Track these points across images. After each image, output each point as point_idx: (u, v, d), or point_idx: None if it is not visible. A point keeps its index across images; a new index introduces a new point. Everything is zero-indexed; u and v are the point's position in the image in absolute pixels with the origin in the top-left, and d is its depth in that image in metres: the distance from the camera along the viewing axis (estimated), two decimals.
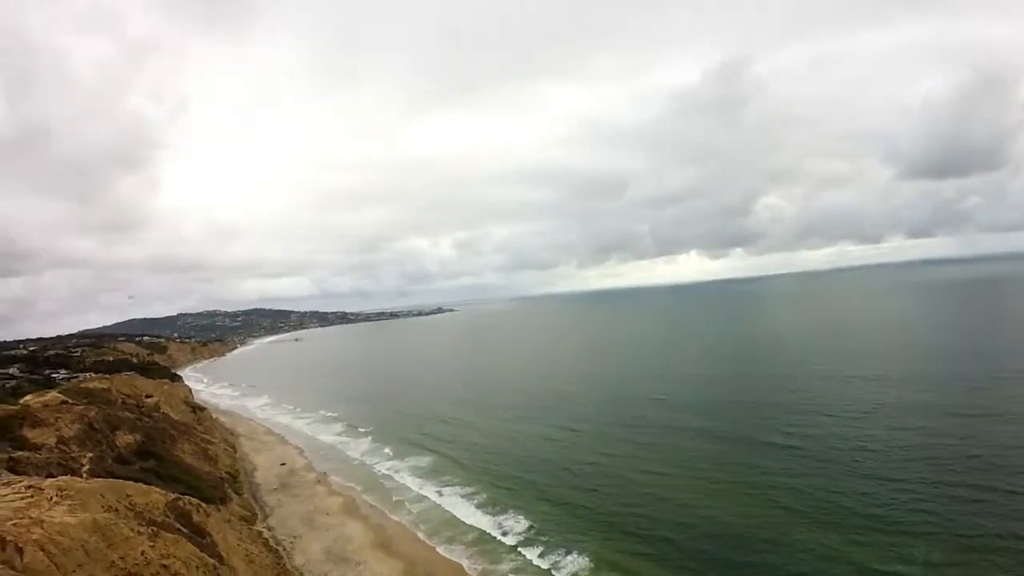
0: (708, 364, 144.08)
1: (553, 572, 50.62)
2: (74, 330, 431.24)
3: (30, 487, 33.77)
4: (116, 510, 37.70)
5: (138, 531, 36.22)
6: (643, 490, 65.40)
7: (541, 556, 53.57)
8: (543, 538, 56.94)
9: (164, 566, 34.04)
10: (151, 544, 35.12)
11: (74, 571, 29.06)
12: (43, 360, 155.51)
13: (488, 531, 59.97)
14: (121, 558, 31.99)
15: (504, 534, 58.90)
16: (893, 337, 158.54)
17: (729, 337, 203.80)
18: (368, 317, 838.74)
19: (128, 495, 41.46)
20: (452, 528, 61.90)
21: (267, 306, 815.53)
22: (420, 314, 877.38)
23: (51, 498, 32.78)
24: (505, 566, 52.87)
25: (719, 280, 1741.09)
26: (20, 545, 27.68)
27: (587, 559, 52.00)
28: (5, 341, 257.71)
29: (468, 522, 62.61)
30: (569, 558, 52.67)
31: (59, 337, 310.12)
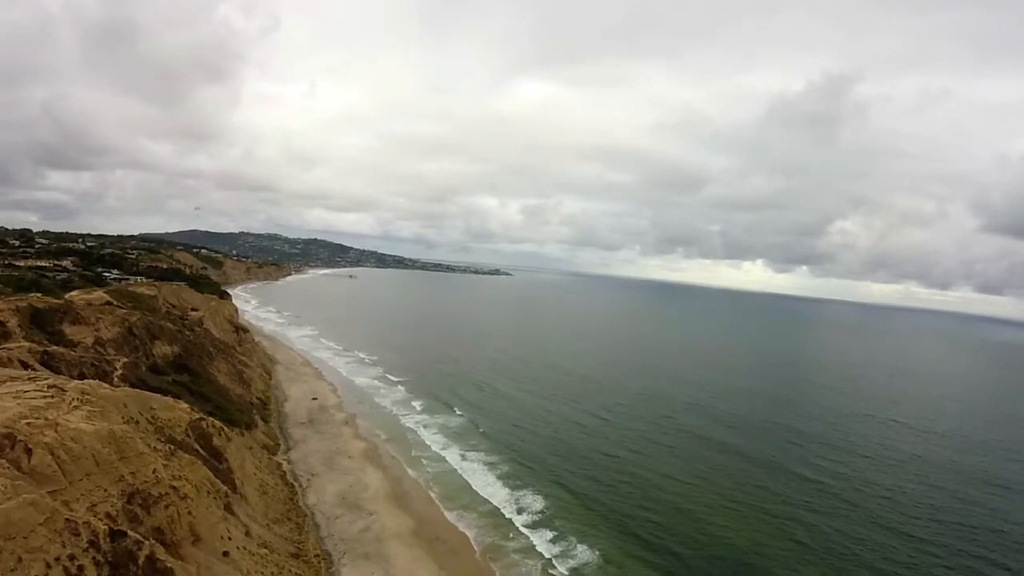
0: (752, 378, 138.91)
1: (555, 562, 48.78)
2: (136, 232, 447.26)
3: (53, 387, 33.31)
4: (136, 422, 37.22)
5: (154, 448, 35.59)
6: (661, 496, 63.03)
7: (551, 542, 51.96)
8: (555, 524, 55.34)
9: (173, 487, 33.27)
10: (165, 463, 34.42)
11: (81, 479, 28.32)
12: (98, 258, 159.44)
13: (502, 506, 58.51)
14: (132, 473, 31.27)
15: (519, 512, 57.37)
16: (946, 390, 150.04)
17: (780, 355, 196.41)
18: (424, 266, 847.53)
19: (152, 408, 41.09)
20: (467, 495, 60.69)
21: (328, 238, 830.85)
22: (477, 272, 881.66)
23: (72, 401, 32.22)
24: (512, 545, 51.35)
25: (780, 294, 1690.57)
26: (30, 446, 26.96)
27: (596, 555, 50.16)
28: (67, 232, 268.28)
29: (484, 493, 61.31)
30: (579, 549, 50.91)
31: (119, 236, 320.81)
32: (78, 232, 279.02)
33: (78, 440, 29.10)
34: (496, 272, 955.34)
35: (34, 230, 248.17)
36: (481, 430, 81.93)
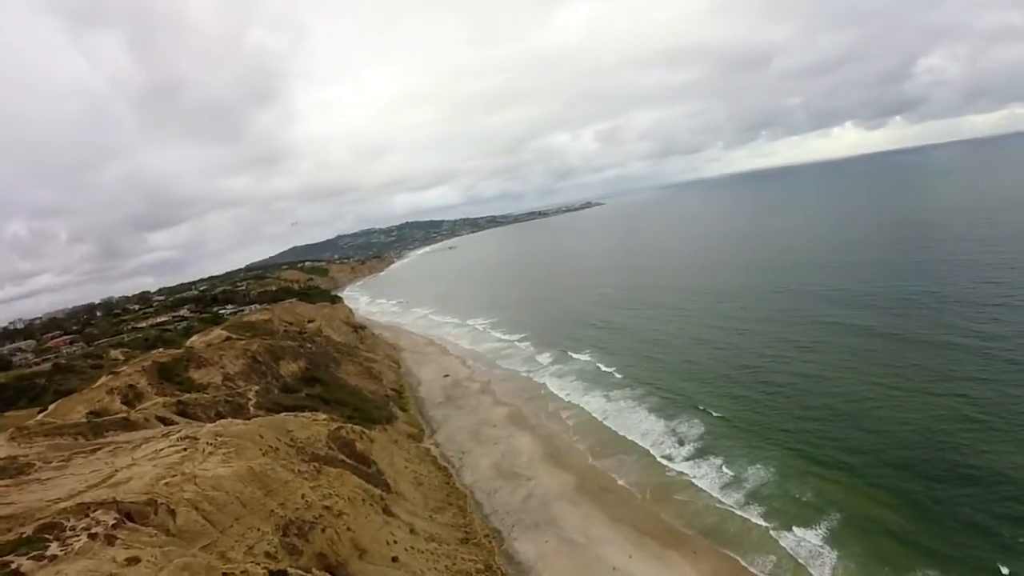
0: (872, 251, 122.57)
1: (723, 494, 44.88)
2: (241, 264, 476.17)
3: (186, 438, 33.14)
4: (276, 449, 36.73)
5: (299, 471, 34.95)
6: (815, 399, 56.42)
7: (716, 472, 47.99)
8: (715, 452, 51.13)
9: (326, 508, 32.35)
10: (312, 485, 33.63)
11: (231, 525, 27.62)
12: (211, 298, 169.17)
13: (658, 444, 55.03)
14: (281, 504, 30.52)
15: (677, 445, 53.76)
16: None
17: (893, 219, 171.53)
18: (517, 218, 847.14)
19: (289, 431, 40.76)
20: (620, 439, 57.69)
21: (419, 218, 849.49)
22: (569, 210, 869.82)
23: (206, 448, 31.85)
24: (678, 481, 48.06)
25: (878, 153, 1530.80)
26: (172, 506, 26.38)
27: (769, 475, 45.72)
28: (181, 283, 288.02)
29: (636, 434, 57.95)
30: (746, 474, 46.62)
31: (227, 273, 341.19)
32: (190, 281, 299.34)
33: (219, 487, 28.47)
34: (588, 205, 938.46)
35: (151, 290, 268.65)
36: (614, 370, 78.20)
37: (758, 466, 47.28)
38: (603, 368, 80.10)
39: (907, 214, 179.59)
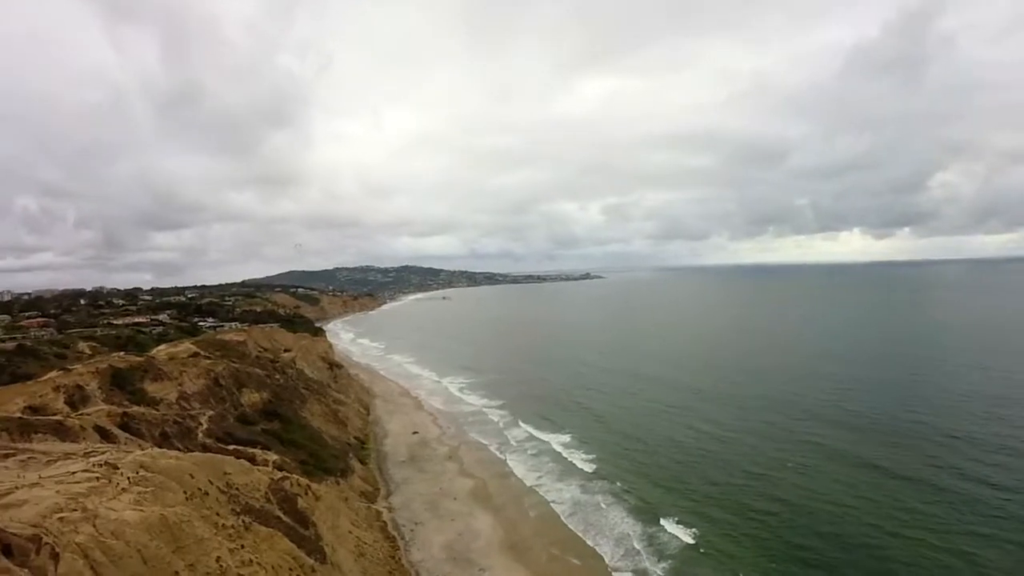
0: (872, 366, 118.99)
1: None
2: (238, 279, 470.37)
3: (105, 464, 28.60)
4: (206, 494, 32.00)
5: (222, 525, 30.24)
6: (800, 535, 50.76)
7: None
8: (703, 562, 46.15)
9: None
10: (232, 547, 28.88)
11: None
12: (195, 308, 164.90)
13: (637, 550, 49.86)
14: (189, 567, 25.76)
15: (657, 557, 48.54)
16: None
17: (897, 333, 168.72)
18: (515, 279, 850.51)
19: (227, 473, 35.98)
20: (593, 537, 52.52)
21: (418, 263, 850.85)
22: (567, 279, 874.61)
23: (121, 483, 27.28)
24: None
25: (883, 262, 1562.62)
26: (57, 549, 21.92)
27: None
28: (174, 287, 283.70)
29: (612, 535, 52.75)
30: None
31: (220, 285, 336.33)
32: (185, 286, 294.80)
33: (120, 535, 23.85)
34: (586, 276, 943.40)
35: (145, 288, 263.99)
36: (595, 456, 73.09)
37: None
38: (585, 452, 74.69)
39: (910, 330, 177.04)
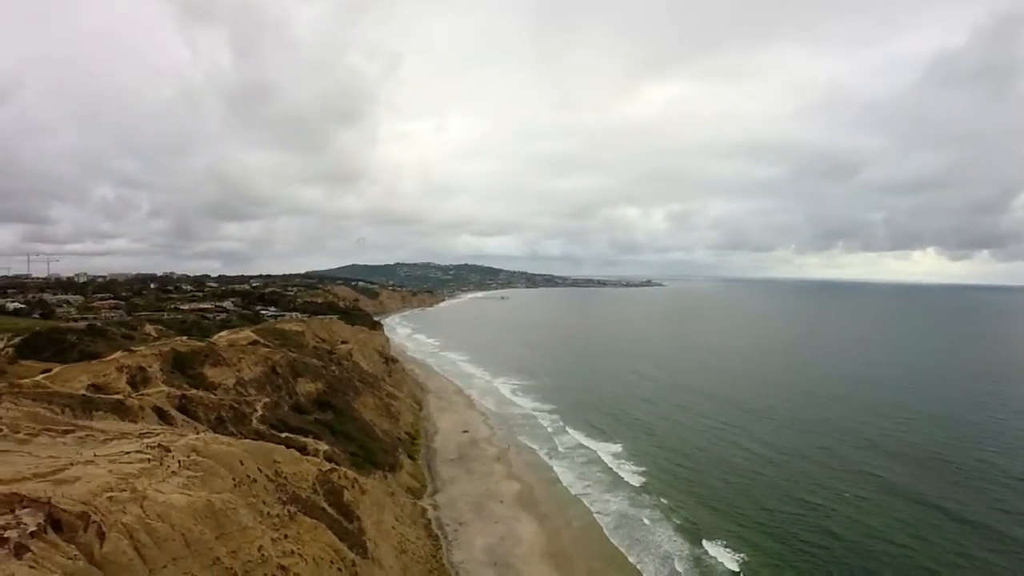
0: (943, 398, 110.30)
1: None
2: (301, 270, 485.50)
3: (158, 446, 29.40)
4: (254, 481, 32.51)
5: (267, 514, 30.67)
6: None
7: None
8: None
9: (283, 567, 27.84)
10: (276, 536, 29.18)
11: (165, 566, 23.30)
12: (258, 296, 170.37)
13: (682, 568, 48.16)
14: (231, 553, 26.13)
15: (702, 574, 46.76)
16: None
17: (973, 364, 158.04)
18: (575, 283, 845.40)
19: (276, 461, 36.56)
20: (638, 552, 51.01)
21: (478, 262, 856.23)
22: (628, 285, 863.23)
23: (172, 465, 27.99)
24: None
25: (958, 285, 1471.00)
26: (104, 528, 22.51)
27: None
28: (240, 275, 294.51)
29: (659, 551, 51.15)
30: None
31: (285, 275, 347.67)
32: (250, 275, 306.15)
33: (165, 517, 24.34)
34: (648, 283, 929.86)
35: (213, 275, 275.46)
36: (644, 470, 71.13)
37: None
38: (623, 468, 72.45)
39: (986, 363, 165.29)
